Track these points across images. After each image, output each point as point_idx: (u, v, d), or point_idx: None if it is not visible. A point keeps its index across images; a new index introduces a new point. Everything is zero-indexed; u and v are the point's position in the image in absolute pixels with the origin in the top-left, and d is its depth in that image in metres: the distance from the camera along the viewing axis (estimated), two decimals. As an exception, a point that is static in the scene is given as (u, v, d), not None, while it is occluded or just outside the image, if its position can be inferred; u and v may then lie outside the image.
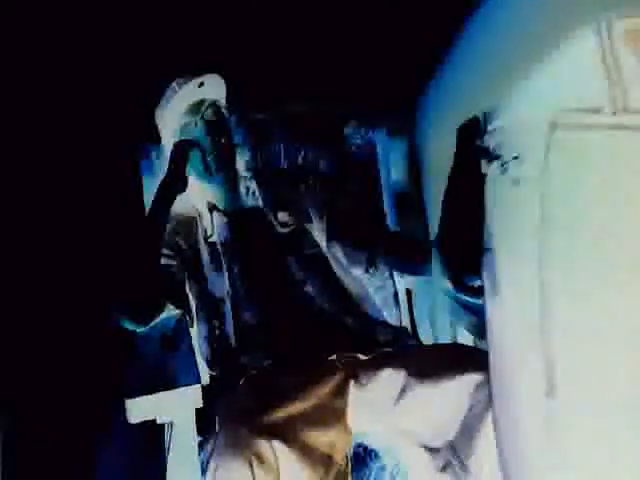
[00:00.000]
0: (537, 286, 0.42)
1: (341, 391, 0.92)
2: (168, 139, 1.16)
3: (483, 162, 0.48)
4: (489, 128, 0.47)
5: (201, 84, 1.13)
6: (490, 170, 0.47)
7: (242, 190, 1.19)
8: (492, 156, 0.46)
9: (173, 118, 1.14)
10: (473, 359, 0.82)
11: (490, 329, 0.50)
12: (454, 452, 0.76)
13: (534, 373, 0.44)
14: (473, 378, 0.76)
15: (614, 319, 0.41)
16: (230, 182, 1.16)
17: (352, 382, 0.93)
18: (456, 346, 0.99)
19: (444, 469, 0.77)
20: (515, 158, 0.44)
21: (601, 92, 0.39)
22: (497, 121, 0.46)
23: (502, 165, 0.45)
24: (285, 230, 1.14)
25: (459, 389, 0.77)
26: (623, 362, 0.41)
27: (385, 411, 0.87)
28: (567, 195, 0.41)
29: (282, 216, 1.15)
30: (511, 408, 0.48)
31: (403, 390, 0.85)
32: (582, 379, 0.42)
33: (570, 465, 0.44)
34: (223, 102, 1.19)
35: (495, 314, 0.48)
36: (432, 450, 0.80)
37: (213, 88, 1.16)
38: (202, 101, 1.13)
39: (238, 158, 1.20)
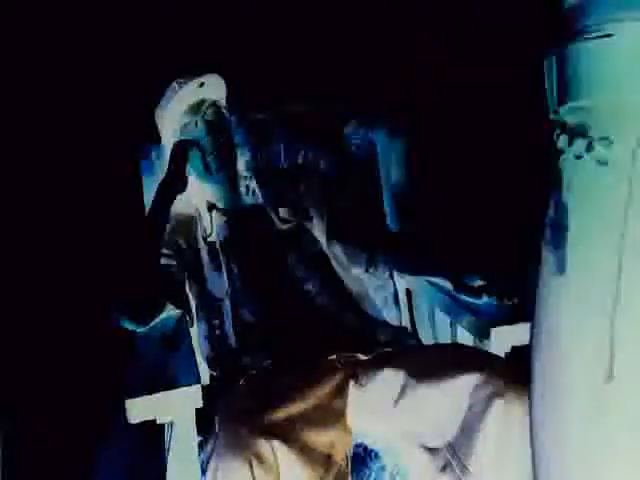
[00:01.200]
0: (613, 271, 0.41)
1: (341, 391, 0.92)
2: (168, 139, 1.16)
3: (562, 138, 0.47)
4: (571, 105, 0.46)
5: (201, 84, 1.13)
6: (571, 147, 0.45)
7: (242, 189, 1.19)
8: (575, 133, 0.45)
9: (173, 118, 1.14)
10: (473, 359, 0.82)
11: (543, 308, 0.48)
12: (454, 452, 0.76)
13: (591, 357, 0.42)
14: (473, 378, 0.76)
15: None
16: (230, 182, 1.16)
17: (352, 382, 0.93)
18: (456, 346, 0.99)
19: (444, 469, 0.77)
20: (604, 139, 0.42)
21: None
22: (584, 100, 0.44)
23: (588, 144, 0.44)
24: (286, 226, 1.14)
25: (459, 389, 0.77)
26: None
27: (385, 411, 0.87)
28: None
29: (283, 212, 1.15)
30: (560, 393, 0.46)
31: (403, 390, 0.85)
32: None
33: (623, 454, 0.43)
34: (223, 102, 1.19)
35: (554, 293, 0.46)
36: (432, 450, 0.80)
37: (213, 88, 1.16)
38: (202, 101, 1.13)
39: (238, 158, 1.20)
